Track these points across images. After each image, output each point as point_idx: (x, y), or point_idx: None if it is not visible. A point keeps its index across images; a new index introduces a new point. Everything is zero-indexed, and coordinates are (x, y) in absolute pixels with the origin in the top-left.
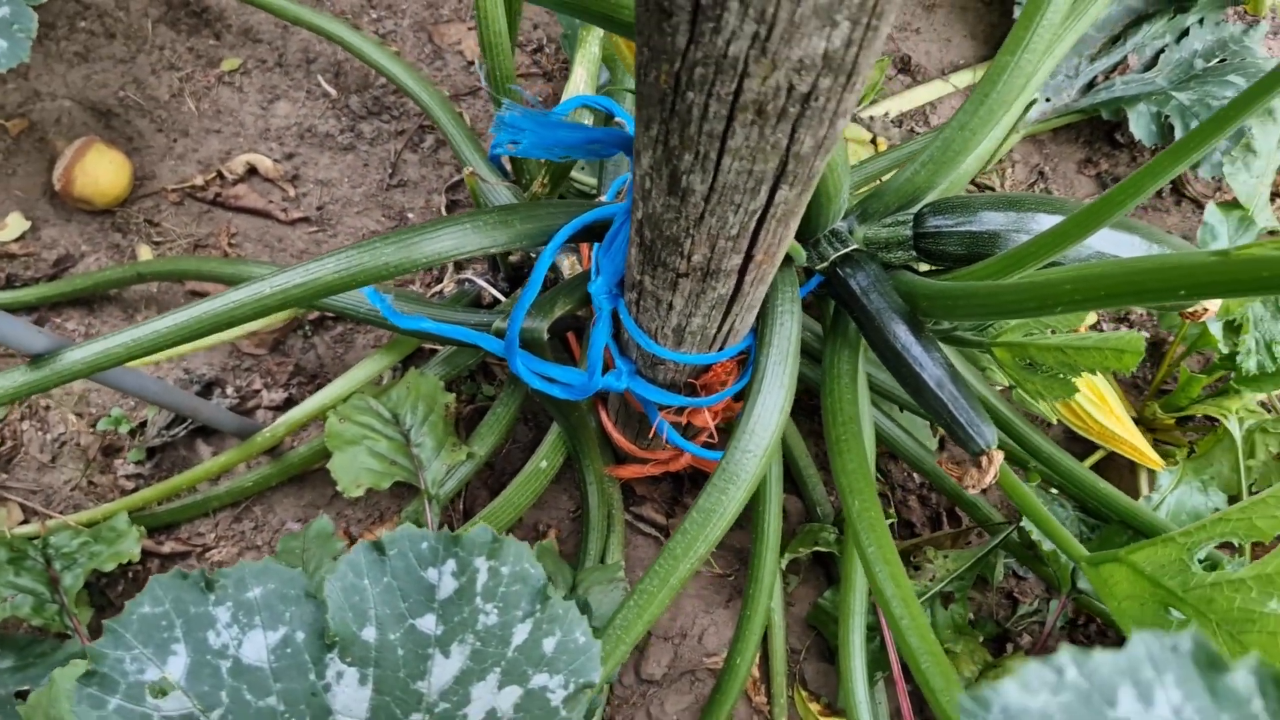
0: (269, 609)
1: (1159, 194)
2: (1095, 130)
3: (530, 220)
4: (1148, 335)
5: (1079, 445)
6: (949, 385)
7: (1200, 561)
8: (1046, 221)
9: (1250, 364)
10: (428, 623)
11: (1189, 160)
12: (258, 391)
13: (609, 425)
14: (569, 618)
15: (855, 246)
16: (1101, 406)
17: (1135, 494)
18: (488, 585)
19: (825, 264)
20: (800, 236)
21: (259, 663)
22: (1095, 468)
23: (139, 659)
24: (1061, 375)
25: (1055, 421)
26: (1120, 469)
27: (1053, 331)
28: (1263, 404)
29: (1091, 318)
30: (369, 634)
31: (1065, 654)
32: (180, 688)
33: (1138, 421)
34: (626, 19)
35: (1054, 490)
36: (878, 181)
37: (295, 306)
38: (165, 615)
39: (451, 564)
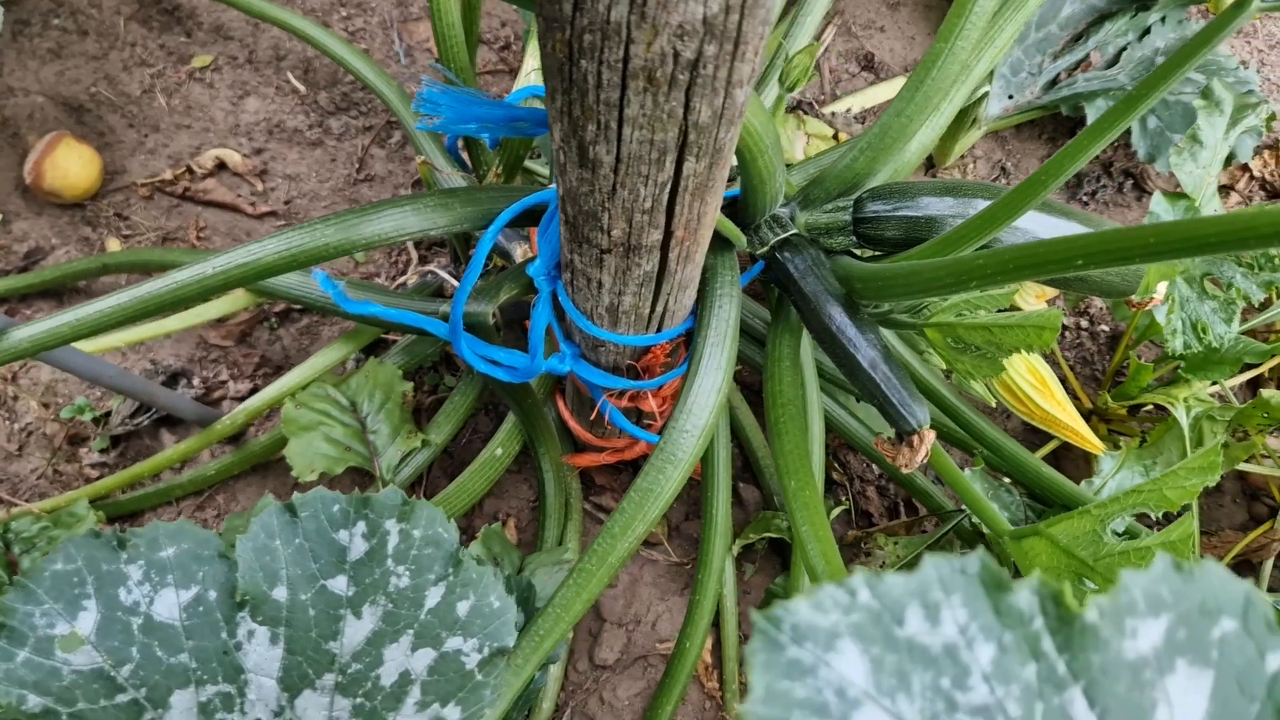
0: (181, 568)
1: (1120, 190)
2: (1058, 126)
3: (470, 204)
4: (1107, 329)
5: (1037, 436)
6: (882, 366)
7: (1119, 534)
8: (984, 206)
9: (1177, 344)
10: (339, 584)
11: (1103, 142)
12: (224, 382)
13: (566, 414)
14: (483, 582)
15: (795, 232)
16: (1043, 391)
17: None
18: (399, 548)
19: (765, 248)
20: (740, 222)
21: (171, 620)
22: (1053, 456)
23: (49, 614)
24: (989, 354)
25: (995, 404)
26: (1076, 458)
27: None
28: (1219, 394)
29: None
30: (280, 594)
31: (859, 576)
32: (90, 643)
33: (1094, 412)
34: None
35: (1006, 479)
36: (841, 153)
37: (239, 287)
38: (77, 572)
39: (362, 526)
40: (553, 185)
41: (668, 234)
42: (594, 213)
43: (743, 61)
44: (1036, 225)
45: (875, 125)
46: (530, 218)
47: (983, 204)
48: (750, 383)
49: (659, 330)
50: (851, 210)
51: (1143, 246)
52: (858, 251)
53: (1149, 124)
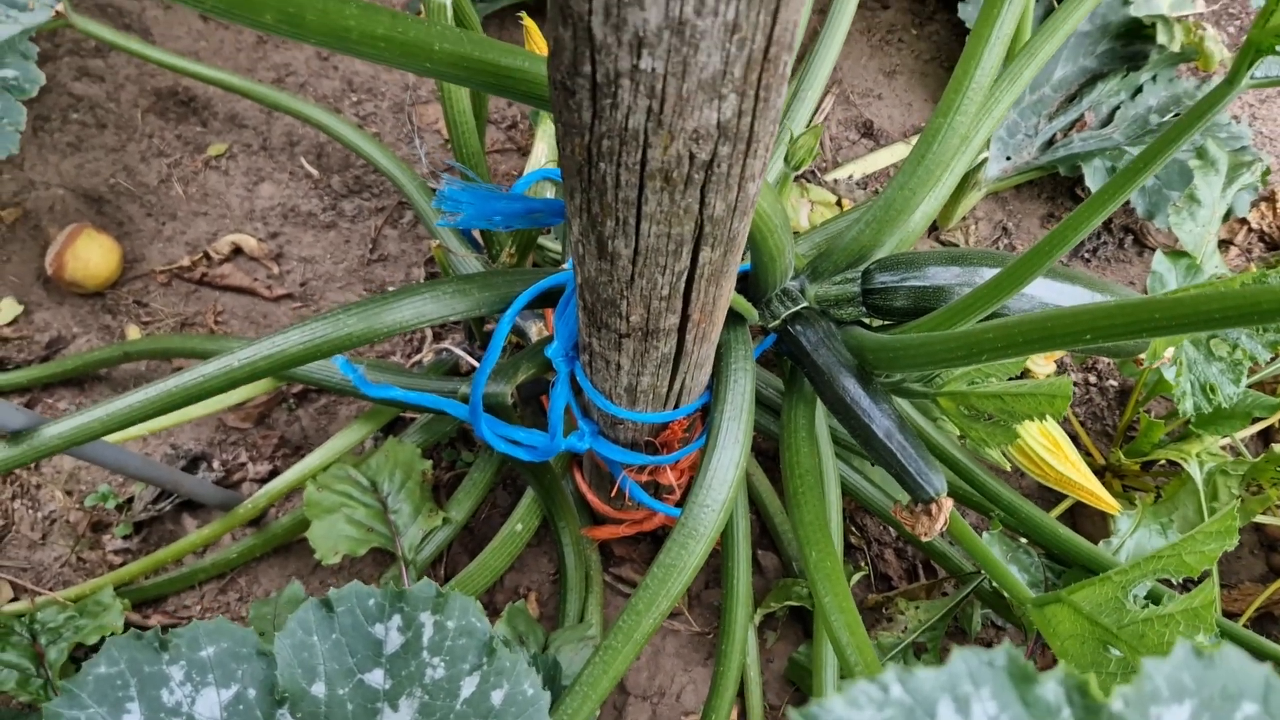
0: (221, 667)
1: (1121, 245)
2: (1057, 186)
3: (487, 289)
4: (1115, 384)
5: (1053, 494)
6: (897, 435)
7: (1144, 598)
8: (990, 274)
9: (1187, 406)
10: (376, 677)
11: (1106, 211)
12: (243, 464)
13: (584, 487)
14: (516, 670)
15: (805, 305)
16: (1056, 453)
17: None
18: (434, 639)
19: (777, 322)
20: (752, 296)
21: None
22: (1069, 514)
23: (94, 718)
24: (1003, 422)
25: (1010, 468)
26: (1093, 516)
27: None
28: (1231, 447)
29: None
30: (319, 689)
31: (891, 672)
32: None
33: (1107, 468)
34: (546, 95)
35: (1023, 540)
36: (848, 226)
37: (264, 377)
38: (120, 675)
39: (397, 619)
40: (566, 266)
41: (684, 318)
42: (612, 300)
43: (754, 158)
44: (1042, 290)
45: (880, 199)
46: (546, 299)
47: (988, 271)
48: (765, 449)
49: (676, 406)
50: (860, 282)
51: (1149, 321)
52: (868, 321)
53: (1147, 182)
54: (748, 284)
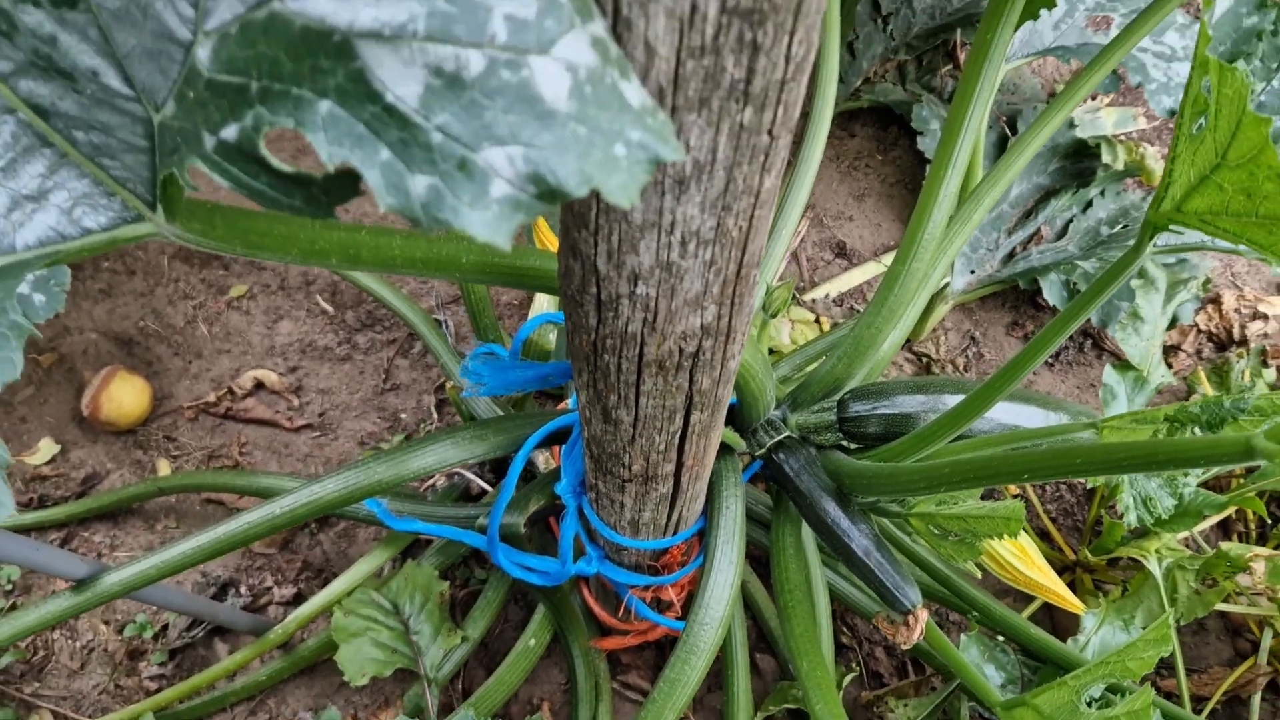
0: None
1: (1081, 349)
2: (1019, 296)
3: (501, 433)
4: (1082, 481)
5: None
6: (875, 553)
7: (1105, 691)
8: (952, 400)
9: (1131, 518)
10: None
11: (1047, 352)
12: (269, 589)
13: (591, 601)
14: None
15: (788, 433)
16: (1023, 557)
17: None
18: None
19: (763, 450)
20: (739, 427)
21: None
22: (1046, 609)
23: None
24: (967, 540)
25: (980, 576)
26: (1067, 613)
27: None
28: (1189, 541)
29: None
30: None
31: None
32: None
33: (1077, 564)
34: (556, 286)
35: (1000, 638)
36: (823, 359)
37: (303, 521)
38: None
39: None
40: (569, 404)
41: (680, 464)
42: (616, 454)
43: (733, 343)
44: (1001, 413)
45: (850, 335)
46: (553, 438)
47: (950, 398)
48: (757, 555)
49: (675, 533)
50: (836, 410)
51: (1072, 465)
52: (846, 444)
53: None
54: (735, 416)
